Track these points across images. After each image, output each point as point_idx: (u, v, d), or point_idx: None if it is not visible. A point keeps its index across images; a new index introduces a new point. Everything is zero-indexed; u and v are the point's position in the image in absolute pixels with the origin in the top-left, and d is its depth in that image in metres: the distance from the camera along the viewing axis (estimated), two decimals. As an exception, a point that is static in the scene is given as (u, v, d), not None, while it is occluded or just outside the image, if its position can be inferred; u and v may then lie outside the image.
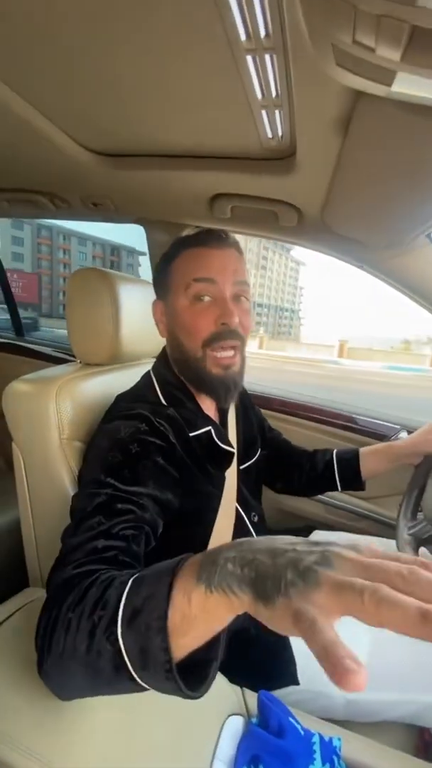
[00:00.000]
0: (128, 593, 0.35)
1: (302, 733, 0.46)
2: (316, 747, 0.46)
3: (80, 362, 0.83)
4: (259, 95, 0.56)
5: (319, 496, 1.16)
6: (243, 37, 0.46)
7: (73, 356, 0.85)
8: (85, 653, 0.35)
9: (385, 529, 1.08)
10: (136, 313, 0.81)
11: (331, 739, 0.47)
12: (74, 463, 0.70)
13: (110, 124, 0.71)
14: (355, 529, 1.08)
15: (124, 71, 0.56)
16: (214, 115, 0.63)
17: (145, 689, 0.34)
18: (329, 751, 0.46)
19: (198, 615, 0.31)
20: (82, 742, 0.44)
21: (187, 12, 0.43)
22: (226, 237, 0.68)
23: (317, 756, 0.45)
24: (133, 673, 0.33)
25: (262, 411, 0.96)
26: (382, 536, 0.96)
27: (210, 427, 0.68)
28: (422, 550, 0.84)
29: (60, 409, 0.69)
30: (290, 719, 0.47)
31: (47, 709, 0.47)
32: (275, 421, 1.11)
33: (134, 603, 0.34)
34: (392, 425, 1.13)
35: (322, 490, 0.92)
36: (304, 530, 0.97)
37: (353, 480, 0.86)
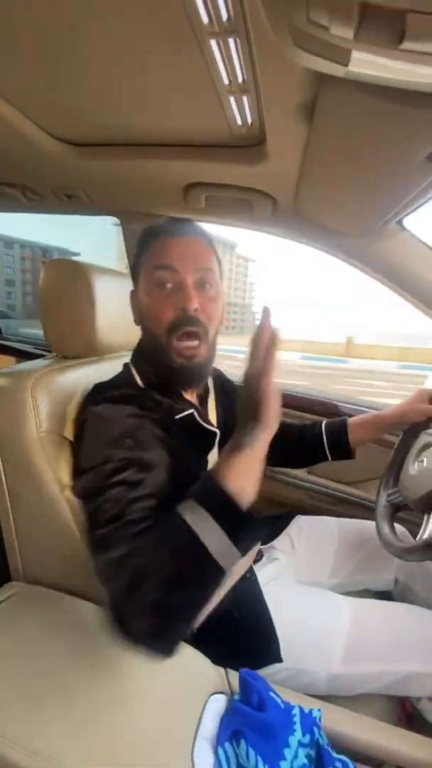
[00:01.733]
0: (186, 511, 0.47)
1: (282, 706, 0.47)
2: (297, 719, 0.47)
3: (56, 355, 0.83)
4: (225, 80, 0.56)
5: (302, 483, 1.18)
6: (205, 20, 0.46)
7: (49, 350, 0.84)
8: (179, 576, 0.44)
9: (366, 511, 1.11)
10: (112, 305, 0.80)
11: (311, 711, 0.49)
12: (53, 455, 0.69)
13: (78, 113, 0.70)
14: (337, 512, 1.10)
15: (90, 59, 0.55)
16: (182, 101, 0.63)
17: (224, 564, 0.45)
18: (309, 722, 0.47)
19: (246, 470, 0.49)
20: (68, 729, 0.44)
21: (149, 10, 0.43)
22: (189, 225, 0.70)
23: (297, 727, 0.46)
24: (220, 559, 0.45)
25: None
26: (364, 518, 0.99)
27: (192, 410, 0.69)
28: (400, 529, 0.87)
29: (36, 402, 0.69)
30: (271, 693, 0.48)
31: (32, 699, 0.47)
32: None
33: (197, 510, 0.47)
34: (374, 410, 1.15)
35: (313, 461, 0.94)
36: (287, 516, 0.99)
37: (343, 449, 0.88)
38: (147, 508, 0.52)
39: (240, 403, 0.53)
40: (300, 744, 0.45)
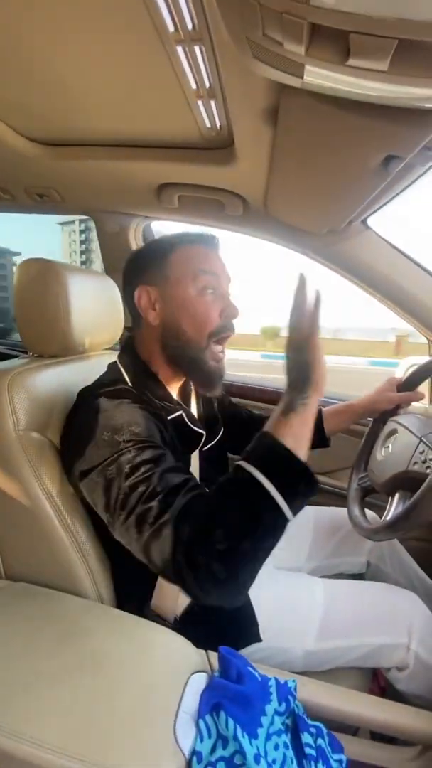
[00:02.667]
0: (248, 464, 0.51)
1: (260, 678, 0.50)
2: (273, 689, 0.50)
3: (32, 354, 0.83)
4: (193, 85, 0.59)
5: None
6: (171, 28, 0.48)
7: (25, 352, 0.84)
8: (249, 524, 0.48)
9: (339, 499, 1.16)
10: (88, 304, 0.81)
11: (286, 682, 0.52)
12: (34, 454, 0.69)
13: (48, 113, 0.71)
14: (312, 501, 1.14)
15: (59, 60, 0.56)
16: (151, 103, 0.65)
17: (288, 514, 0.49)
18: (285, 691, 0.50)
19: (300, 429, 0.54)
20: (52, 712, 0.45)
21: (115, 3, 0.45)
22: (217, 239, 0.73)
23: (273, 697, 0.49)
24: (285, 507, 0.49)
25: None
26: (338, 506, 1.03)
27: (181, 411, 0.71)
28: (370, 514, 0.92)
29: (13, 400, 0.69)
30: (249, 668, 0.51)
31: (16, 686, 0.48)
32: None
33: (260, 464, 0.50)
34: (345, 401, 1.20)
35: None
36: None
37: (319, 438, 0.92)
38: (181, 475, 0.55)
39: (289, 367, 0.57)
40: (276, 712, 0.48)
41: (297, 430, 0.53)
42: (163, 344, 0.70)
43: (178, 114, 0.66)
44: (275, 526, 0.50)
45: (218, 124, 0.69)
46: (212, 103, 0.62)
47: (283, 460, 0.51)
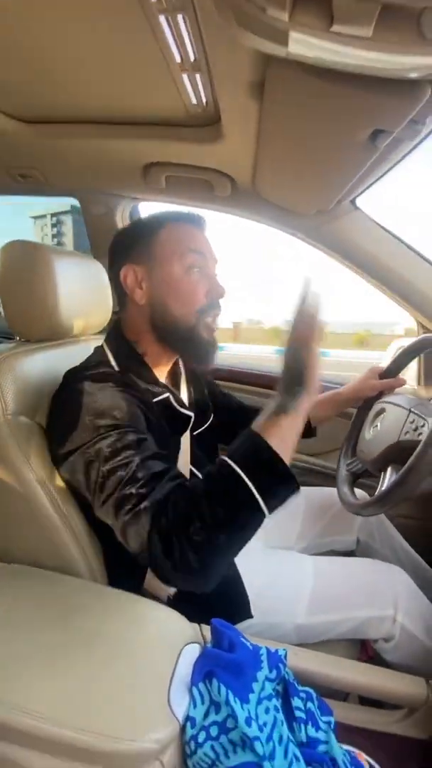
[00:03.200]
0: (233, 460, 0.51)
1: (251, 647, 0.52)
2: (264, 657, 0.51)
3: (19, 339, 0.82)
4: (177, 58, 0.57)
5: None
6: (152, -4, 0.47)
7: (11, 338, 0.83)
8: (226, 519, 0.49)
9: (329, 479, 1.18)
10: (76, 287, 0.80)
11: (276, 650, 0.54)
12: (23, 438, 0.69)
13: (29, 89, 0.69)
14: (304, 483, 1.15)
15: (40, 35, 0.55)
16: (135, 78, 0.63)
17: (267, 514, 0.51)
18: (275, 659, 0.52)
19: (288, 432, 0.54)
20: (47, 683, 0.47)
21: None
22: (203, 218, 0.72)
23: (264, 664, 0.51)
24: (264, 506, 0.50)
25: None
26: (327, 486, 1.05)
27: (168, 394, 0.71)
28: (359, 492, 0.93)
29: (1, 385, 0.68)
30: (240, 638, 0.52)
31: (13, 659, 0.49)
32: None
33: (244, 462, 0.51)
34: (333, 385, 1.21)
35: None
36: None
37: (305, 428, 0.92)
38: (162, 463, 0.55)
39: (284, 368, 0.57)
40: (267, 679, 0.50)
41: (285, 432, 0.54)
42: (151, 323, 0.69)
43: (164, 89, 0.65)
44: (252, 523, 0.51)
45: (204, 100, 0.67)
46: (197, 77, 0.61)
47: (267, 462, 0.52)
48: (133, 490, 0.51)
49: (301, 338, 0.56)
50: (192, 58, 0.57)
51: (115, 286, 0.74)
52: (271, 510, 0.51)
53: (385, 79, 0.43)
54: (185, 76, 0.61)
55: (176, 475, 0.55)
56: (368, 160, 0.61)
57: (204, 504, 0.50)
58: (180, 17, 0.50)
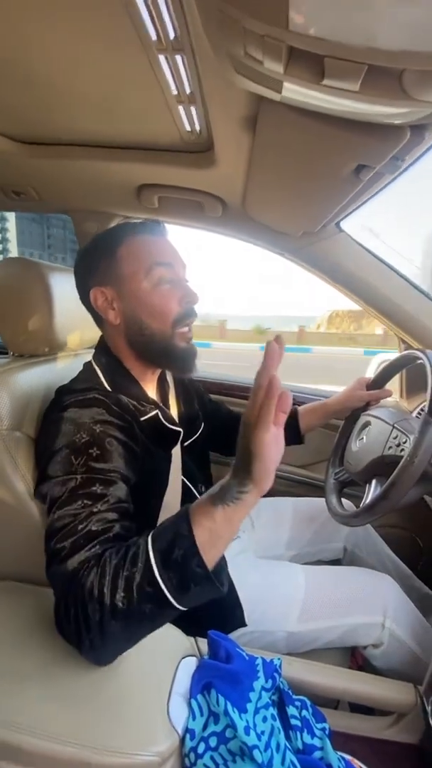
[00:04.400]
0: (152, 544, 0.46)
1: (247, 658, 0.53)
2: (260, 667, 0.53)
3: (13, 354, 0.82)
4: (174, 90, 0.61)
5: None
6: (153, 36, 0.50)
7: (5, 353, 0.83)
8: (126, 609, 0.44)
9: (317, 490, 1.21)
10: (70, 302, 0.81)
11: (272, 660, 0.55)
12: (18, 453, 0.69)
13: (28, 111, 0.71)
14: (292, 493, 1.18)
15: (40, 59, 0.57)
16: (132, 106, 0.66)
17: (182, 611, 0.46)
18: (271, 669, 0.53)
19: (222, 526, 0.46)
20: (47, 700, 0.47)
21: (97, 13, 0.46)
22: (163, 225, 0.72)
23: (260, 674, 0.52)
24: (174, 601, 0.44)
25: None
26: (315, 496, 1.07)
27: (157, 411, 0.71)
28: (347, 502, 0.96)
29: (-4, 400, 0.69)
30: (237, 649, 0.54)
31: (11, 677, 0.49)
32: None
33: (161, 547, 0.45)
34: (322, 397, 1.25)
35: None
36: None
37: (294, 436, 0.95)
38: (108, 521, 0.51)
39: (237, 447, 0.49)
40: (263, 688, 0.51)
41: (219, 526, 0.46)
42: (129, 341, 0.69)
43: (159, 117, 0.68)
44: (158, 616, 0.46)
45: (198, 129, 0.71)
46: (192, 108, 0.64)
47: (186, 561, 0.44)
48: (67, 544, 0.49)
49: (251, 415, 0.46)
50: (188, 91, 0.60)
51: (88, 309, 0.73)
52: (184, 606, 0.45)
53: (369, 123, 0.47)
54: (181, 107, 0.65)
55: (114, 536, 0.50)
56: (352, 190, 0.65)
57: (108, 585, 0.44)
58: (178, 57, 0.53)
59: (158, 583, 0.44)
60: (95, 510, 0.51)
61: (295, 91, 0.40)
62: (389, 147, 0.51)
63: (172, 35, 0.49)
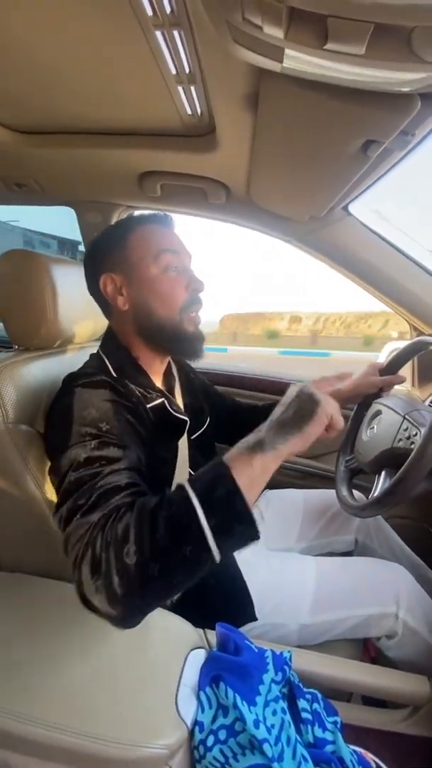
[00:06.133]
0: (190, 486, 0.46)
1: (256, 650, 0.52)
2: (269, 660, 0.52)
3: (18, 347, 0.82)
4: (172, 70, 0.58)
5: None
6: (149, 12, 0.48)
7: (10, 347, 0.83)
8: (167, 548, 0.43)
9: (327, 482, 1.19)
10: (75, 295, 0.80)
11: (282, 653, 0.54)
12: (24, 447, 0.69)
13: (26, 100, 0.69)
14: (301, 485, 1.17)
15: (37, 46, 0.55)
16: (131, 90, 0.64)
17: (216, 564, 0.45)
18: (281, 661, 0.52)
19: (259, 474, 0.48)
20: (54, 690, 0.47)
21: None
22: (170, 217, 0.75)
23: (270, 667, 0.51)
24: (213, 545, 0.43)
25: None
26: (325, 488, 1.06)
27: (163, 399, 0.71)
28: (357, 493, 0.95)
29: (1, 394, 0.68)
30: (246, 641, 0.53)
31: (20, 668, 0.49)
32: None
33: (201, 489, 0.45)
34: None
35: None
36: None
37: None
38: (129, 477, 0.51)
39: (291, 403, 0.53)
40: (273, 681, 0.50)
41: (256, 472, 0.47)
42: (138, 327, 0.71)
43: (159, 100, 0.66)
44: (195, 562, 0.44)
45: (199, 111, 0.69)
46: (192, 88, 0.62)
47: (229, 500, 0.45)
48: (86, 500, 0.48)
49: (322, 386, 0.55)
50: (187, 70, 0.58)
51: (97, 297, 0.75)
52: (223, 551, 0.44)
53: (377, 92, 0.45)
54: (180, 88, 0.63)
55: (139, 492, 0.51)
56: (360, 169, 0.62)
57: (146, 525, 0.43)
58: (176, 32, 0.51)
59: (199, 521, 0.43)
60: (115, 468, 0.51)
61: (296, 59, 0.38)
62: (399, 119, 0.48)
63: (168, 9, 0.47)
